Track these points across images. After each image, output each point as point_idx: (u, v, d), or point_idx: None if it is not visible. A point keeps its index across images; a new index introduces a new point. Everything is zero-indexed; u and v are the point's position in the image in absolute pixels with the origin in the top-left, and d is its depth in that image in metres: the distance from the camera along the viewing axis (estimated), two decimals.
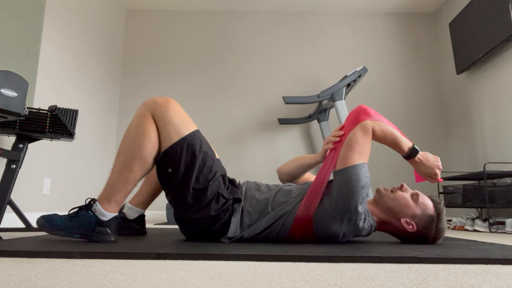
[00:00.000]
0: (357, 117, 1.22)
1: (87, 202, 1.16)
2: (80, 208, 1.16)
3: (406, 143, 1.22)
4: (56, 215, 1.16)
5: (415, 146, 1.22)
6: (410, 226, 1.22)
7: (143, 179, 1.47)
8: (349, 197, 1.14)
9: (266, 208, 1.23)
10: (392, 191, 1.28)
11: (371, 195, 2.79)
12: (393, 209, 1.24)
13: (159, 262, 0.85)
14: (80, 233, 1.13)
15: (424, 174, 1.23)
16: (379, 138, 1.21)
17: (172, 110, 1.19)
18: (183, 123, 1.20)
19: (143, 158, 1.15)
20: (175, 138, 1.17)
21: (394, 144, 1.22)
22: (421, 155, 1.22)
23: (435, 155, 1.24)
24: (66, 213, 1.20)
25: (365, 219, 1.19)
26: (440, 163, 1.22)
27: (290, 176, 1.50)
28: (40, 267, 0.77)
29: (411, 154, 1.21)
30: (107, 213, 1.14)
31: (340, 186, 1.16)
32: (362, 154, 1.17)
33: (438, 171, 1.21)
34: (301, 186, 1.32)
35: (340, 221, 1.16)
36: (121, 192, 1.15)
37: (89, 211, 1.14)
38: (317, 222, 1.19)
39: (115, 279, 0.66)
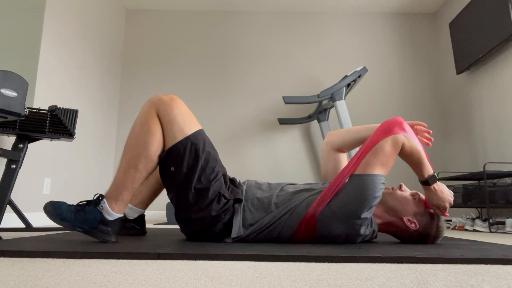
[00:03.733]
0: (391, 128, 1.19)
1: (95, 198, 1.16)
2: (88, 202, 1.16)
3: (428, 169, 1.20)
4: (64, 203, 1.15)
5: (435, 175, 1.21)
6: (413, 224, 1.23)
7: None
8: (360, 204, 1.14)
9: (269, 207, 1.23)
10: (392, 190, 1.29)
11: None
12: (395, 208, 1.25)
13: (159, 262, 0.85)
14: (83, 227, 1.13)
15: (434, 203, 1.22)
16: (405, 155, 1.19)
17: (177, 108, 1.19)
18: (187, 122, 1.20)
19: (148, 157, 1.16)
20: (179, 137, 1.17)
21: (416, 165, 1.20)
22: (437, 185, 1.21)
23: (450, 190, 1.23)
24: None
25: (368, 224, 1.20)
26: (452, 199, 1.21)
27: (343, 145, 1.42)
28: (40, 267, 0.77)
29: (429, 181, 1.19)
30: (113, 213, 1.14)
31: (355, 191, 1.15)
32: (384, 165, 1.16)
33: (447, 205, 1.20)
34: (308, 184, 1.32)
35: (344, 223, 1.17)
36: (128, 191, 1.15)
37: (97, 208, 1.14)
38: (321, 222, 1.19)
39: (115, 279, 0.66)
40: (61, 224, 1.13)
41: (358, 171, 1.17)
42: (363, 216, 1.15)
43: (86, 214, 1.13)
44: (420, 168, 1.20)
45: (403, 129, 1.19)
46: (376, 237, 1.28)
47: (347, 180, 1.20)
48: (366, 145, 1.20)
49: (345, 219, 1.16)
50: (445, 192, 1.21)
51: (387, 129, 1.19)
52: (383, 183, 1.17)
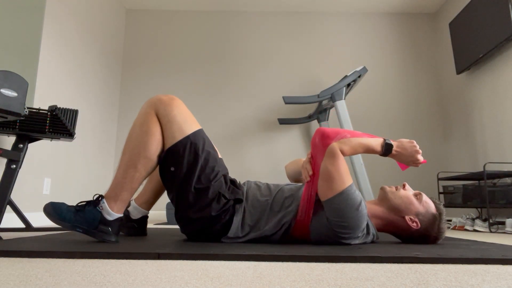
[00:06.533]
0: (322, 144, 1.20)
1: (94, 198, 1.16)
2: (88, 203, 1.16)
3: (377, 144, 1.21)
4: (64, 204, 1.15)
5: (387, 141, 1.21)
6: (414, 224, 1.22)
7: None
8: (346, 223, 1.12)
9: (266, 209, 1.23)
10: (396, 189, 1.29)
11: (371, 194, 2.79)
12: (398, 206, 1.24)
13: (159, 262, 0.85)
14: (83, 228, 1.13)
15: (407, 162, 1.24)
16: (350, 154, 1.19)
17: (176, 108, 1.19)
18: (186, 122, 1.20)
19: (148, 157, 1.16)
20: (179, 137, 1.17)
21: (367, 151, 1.21)
22: (397, 146, 1.22)
23: (410, 140, 1.24)
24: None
25: (363, 235, 1.19)
26: (417, 147, 1.22)
27: (292, 178, 1.50)
28: (40, 267, 0.77)
29: (386, 151, 1.21)
30: (113, 213, 1.14)
31: (333, 214, 1.14)
32: (342, 178, 1.14)
33: (418, 156, 1.21)
34: (300, 187, 1.32)
35: (340, 240, 1.16)
36: (127, 191, 1.15)
37: (96, 208, 1.14)
38: (314, 234, 1.20)
39: (115, 279, 0.66)
40: (61, 224, 1.13)
41: (324, 197, 1.16)
42: (357, 231, 1.13)
43: (86, 215, 1.13)
44: (371, 151, 1.21)
45: (329, 137, 1.19)
46: (377, 238, 1.28)
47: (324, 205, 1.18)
48: (314, 171, 1.20)
49: (339, 237, 1.15)
50: (407, 147, 1.22)
51: (321, 147, 1.19)
52: (355, 190, 1.15)
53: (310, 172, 1.23)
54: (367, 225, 1.22)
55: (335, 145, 1.17)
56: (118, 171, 1.17)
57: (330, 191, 1.13)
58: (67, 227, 1.13)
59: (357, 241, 1.18)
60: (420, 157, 1.21)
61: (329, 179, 1.14)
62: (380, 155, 1.22)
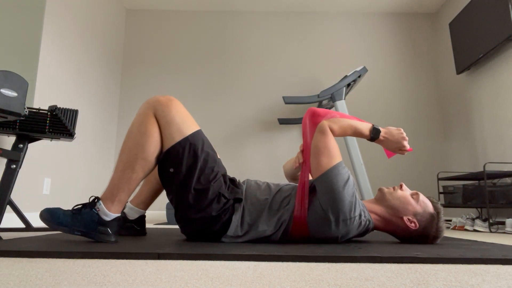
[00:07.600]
0: (312, 122, 1.23)
1: (90, 200, 1.16)
2: (84, 205, 1.16)
3: (366, 128, 1.24)
4: (60, 209, 1.15)
5: (375, 126, 1.24)
6: (413, 224, 1.22)
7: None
8: (336, 200, 1.13)
9: (265, 208, 1.23)
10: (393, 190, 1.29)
11: (370, 194, 2.79)
12: (396, 207, 1.24)
13: (159, 262, 0.85)
14: (81, 230, 1.13)
15: (393, 149, 1.26)
16: (339, 134, 1.22)
17: (174, 109, 1.19)
18: (185, 123, 1.20)
19: (145, 158, 1.15)
20: (177, 138, 1.17)
21: (355, 134, 1.24)
22: (384, 132, 1.25)
23: (398, 127, 1.26)
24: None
25: (360, 215, 1.18)
26: (404, 134, 1.24)
27: (289, 176, 1.50)
28: (40, 267, 0.77)
29: (374, 136, 1.24)
30: (110, 213, 1.14)
31: (323, 193, 1.16)
32: (331, 155, 1.17)
33: (405, 143, 1.24)
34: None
35: (335, 224, 1.15)
36: (124, 192, 1.15)
37: (93, 210, 1.14)
38: (312, 226, 1.20)
39: (115, 279, 0.66)
40: (59, 229, 1.13)
41: (314, 175, 1.19)
42: (348, 208, 1.13)
43: (83, 217, 1.13)
44: (360, 134, 1.23)
45: (319, 115, 1.23)
46: (372, 229, 1.26)
47: (314, 185, 1.21)
48: (305, 149, 1.23)
49: (335, 219, 1.15)
50: (394, 134, 1.24)
51: (312, 125, 1.23)
52: (343, 167, 1.18)
53: (301, 160, 1.25)
54: (363, 208, 1.21)
55: (325, 122, 1.20)
56: (115, 172, 1.17)
57: (320, 167, 1.16)
58: (65, 231, 1.13)
59: (356, 220, 1.16)
60: (407, 144, 1.24)
61: (318, 155, 1.18)
62: (368, 139, 1.25)
